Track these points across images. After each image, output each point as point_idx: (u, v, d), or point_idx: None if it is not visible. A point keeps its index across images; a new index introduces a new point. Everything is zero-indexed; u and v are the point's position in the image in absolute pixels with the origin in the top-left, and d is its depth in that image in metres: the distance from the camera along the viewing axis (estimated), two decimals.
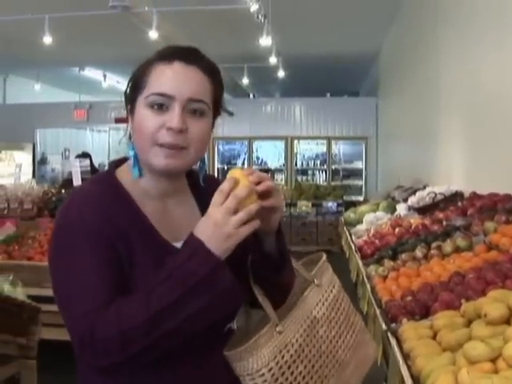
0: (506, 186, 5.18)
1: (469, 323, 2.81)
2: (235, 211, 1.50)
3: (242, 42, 13.04)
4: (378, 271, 4.73)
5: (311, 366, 1.64)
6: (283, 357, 1.59)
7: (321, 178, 17.94)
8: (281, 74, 15.54)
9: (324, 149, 17.91)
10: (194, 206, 1.87)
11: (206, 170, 1.89)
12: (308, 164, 18.29)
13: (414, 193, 7.73)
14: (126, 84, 1.75)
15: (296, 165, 18.06)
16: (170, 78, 1.65)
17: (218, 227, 1.49)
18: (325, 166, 17.93)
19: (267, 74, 15.87)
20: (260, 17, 10.02)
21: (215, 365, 1.68)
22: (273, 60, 13.17)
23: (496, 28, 5.69)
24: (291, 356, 1.60)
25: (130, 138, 1.77)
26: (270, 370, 1.57)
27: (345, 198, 14.70)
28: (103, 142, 20.43)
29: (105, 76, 18.19)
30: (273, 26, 10.74)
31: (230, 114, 1.83)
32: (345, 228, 8.27)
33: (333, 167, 17.82)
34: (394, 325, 3.32)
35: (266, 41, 10.89)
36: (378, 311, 3.84)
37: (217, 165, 18.51)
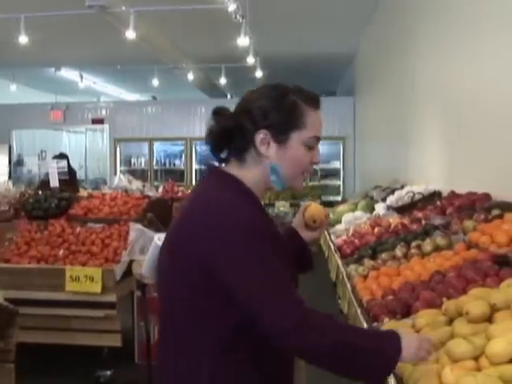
0: (484, 185, 5.20)
1: (450, 321, 2.81)
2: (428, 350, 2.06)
3: (220, 41, 13.03)
4: (358, 271, 4.73)
5: None
6: None
7: None
8: (258, 74, 15.51)
9: None
10: None
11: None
12: None
13: (392, 192, 7.75)
14: (261, 110, 2.15)
15: None
16: (320, 125, 2.22)
17: (417, 347, 2.01)
18: None
19: (245, 74, 15.84)
20: (238, 17, 10.00)
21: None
22: (250, 60, 13.15)
23: (471, 27, 5.72)
24: None
25: (218, 142, 2.23)
26: None
27: (322, 198, 14.72)
28: (80, 143, 20.34)
29: (81, 76, 18.06)
30: (250, 26, 10.74)
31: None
32: None
33: None
34: (375, 324, 3.32)
35: (243, 41, 10.88)
36: (359, 311, 3.84)
37: (194, 166, 18.46)
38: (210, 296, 2.02)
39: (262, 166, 2.17)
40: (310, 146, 2.17)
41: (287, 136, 2.13)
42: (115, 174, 16.67)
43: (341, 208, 8.94)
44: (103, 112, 19.05)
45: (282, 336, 1.93)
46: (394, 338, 2.01)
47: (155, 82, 17.00)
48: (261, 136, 2.12)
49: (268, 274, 1.95)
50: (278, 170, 2.16)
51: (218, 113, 2.23)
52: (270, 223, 2.15)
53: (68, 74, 18.11)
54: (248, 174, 2.17)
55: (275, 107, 2.14)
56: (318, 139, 2.19)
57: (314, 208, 2.57)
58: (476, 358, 2.27)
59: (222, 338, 2.02)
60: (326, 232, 7.66)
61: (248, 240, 1.97)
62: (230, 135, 2.16)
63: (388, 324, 3.14)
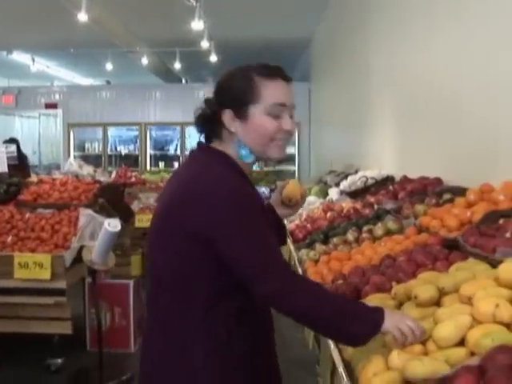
0: (436, 170, 5.23)
1: (400, 306, 2.80)
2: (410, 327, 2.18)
3: (174, 25, 12.89)
4: (310, 255, 4.71)
5: None
6: None
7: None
8: (213, 58, 15.42)
9: None
10: None
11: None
12: None
13: (346, 177, 7.76)
14: (221, 91, 2.35)
15: None
16: (283, 92, 2.31)
17: (399, 319, 2.20)
18: None
19: (199, 58, 15.76)
20: (191, 0, 9.91)
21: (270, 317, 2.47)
22: (205, 44, 13.07)
23: (425, 16, 5.73)
24: None
25: (201, 125, 2.39)
26: None
27: (278, 183, 14.70)
28: (33, 128, 20.07)
29: (33, 60, 17.76)
30: (205, 9, 10.65)
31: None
32: None
33: None
34: None
35: (197, 25, 10.80)
36: None
37: (149, 151, 18.34)
38: (199, 264, 2.20)
39: (234, 142, 2.33)
40: (275, 114, 2.28)
41: (246, 110, 2.27)
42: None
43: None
44: (56, 96, 18.80)
45: (273, 297, 2.14)
46: (377, 308, 2.24)
47: (109, 66, 16.76)
48: (226, 115, 2.30)
49: (259, 240, 2.16)
50: (243, 143, 2.31)
51: (206, 99, 2.42)
52: (258, 196, 2.34)
53: (20, 57, 17.76)
54: (228, 151, 2.34)
55: (232, 86, 2.32)
56: (282, 105, 2.29)
57: (291, 187, 2.71)
58: (423, 342, 2.26)
59: (206, 304, 2.21)
60: None
61: (239, 209, 2.14)
62: (206, 118, 2.36)
63: None
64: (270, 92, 2.28)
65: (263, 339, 2.39)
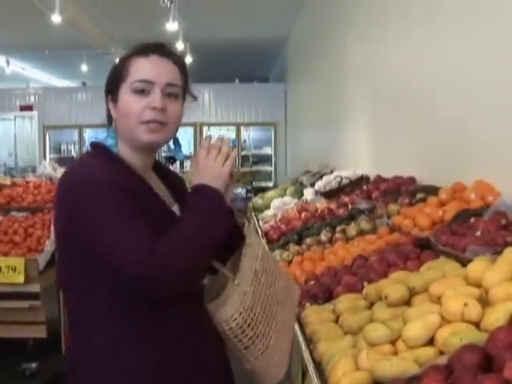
0: (410, 169, 5.25)
1: (371, 306, 2.81)
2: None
3: (148, 26, 12.79)
4: (283, 256, 4.70)
5: (264, 307, 2.14)
6: (245, 303, 2.07)
7: None
8: (188, 59, 15.36)
9: (233, 135, 17.90)
10: (159, 181, 2.25)
11: (182, 153, 2.30)
12: None
13: (321, 177, 7.76)
14: (107, 79, 2.14)
15: None
16: (150, 67, 2.05)
17: (211, 171, 2.03)
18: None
19: None
20: (166, 1, 9.89)
21: (198, 315, 2.11)
22: (180, 45, 13.00)
23: (401, 16, 5.75)
24: (250, 301, 2.08)
25: (110, 123, 2.17)
26: (240, 314, 2.06)
27: (254, 184, 14.74)
28: (8, 131, 19.90)
29: (8, 62, 17.62)
30: (179, 10, 10.62)
31: (195, 98, 2.26)
32: (253, 214, 8.24)
33: (242, 153, 17.82)
34: (296, 309, 3.30)
35: (172, 26, 10.77)
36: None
37: None
38: (81, 271, 1.99)
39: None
40: (140, 90, 2.03)
41: (118, 92, 2.07)
42: None
43: (270, 193, 8.91)
44: (32, 98, 18.67)
45: (138, 283, 1.81)
46: (204, 190, 2.02)
47: (84, 68, 16.65)
48: (109, 103, 2.14)
49: (113, 222, 1.85)
50: (114, 128, 2.14)
51: None
52: (138, 187, 2.03)
53: None
54: (119, 140, 2.14)
55: (112, 69, 2.14)
56: (148, 82, 2.03)
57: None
58: (393, 342, 2.27)
59: (106, 311, 1.98)
60: (255, 218, 7.64)
61: (90, 198, 1.88)
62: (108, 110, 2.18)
63: (309, 309, 3.13)
64: (137, 68, 2.05)
65: (175, 348, 2.04)
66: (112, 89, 2.10)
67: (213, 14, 12.98)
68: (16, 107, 18.71)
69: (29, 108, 18.62)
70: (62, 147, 18.57)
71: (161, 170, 2.31)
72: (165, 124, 2.05)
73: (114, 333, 1.97)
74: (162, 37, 12.17)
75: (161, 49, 2.10)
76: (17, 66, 18.75)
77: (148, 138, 2.04)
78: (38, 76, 21.65)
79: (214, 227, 1.97)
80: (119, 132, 2.11)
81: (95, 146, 2.14)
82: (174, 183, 2.31)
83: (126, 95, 2.04)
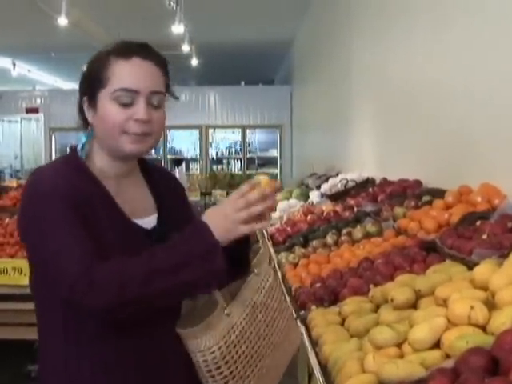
0: (416, 172, 5.24)
1: (377, 308, 2.81)
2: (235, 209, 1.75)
3: (154, 29, 12.81)
4: (289, 258, 4.70)
5: (252, 347, 1.91)
6: (230, 337, 1.85)
7: (236, 167, 17.94)
8: (194, 62, 15.41)
9: (239, 137, 17.91)
10: (145, 187, 2.09)
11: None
12: (223, 153, 18.27)
13: (326, 180, 7.76)
14: (82, 76, 1.97)
15: (215, 155, 18.05)
16: (133, 74, 1.87)
17: (225, 219, 1.74)
18: (240, 155, 17.93)
19: (180, 62, 15.71)
20: (172, 4, 9.89)
21: (164, 337, 1.90)
22: (186, 48, 13.04)
23: (404, 19, 5.75)
24: (236, 337, 1.86)
25: (86, 125, 2.00)
26: (220, 348, 1.83)
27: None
28: (14, 133, 19.94)
29: (14, 64, 17.65)
30: (185, 13, 10.62)
31: (176, 98, 2.07)
32: None
33: (248, 156, 17.83)
34: (302, 312, 3.30)
35: (178, 28, 10.77)
36: (287, 298, 3.81)
37: None
38: (35, 280, 1.96)
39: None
40: (123, 102, 1.85)
41: (96, 97, 1.89)
42: None
43: (276, 196, 8.90)
44: (38, 101, 18.71)
45: (71, 294, 1.69)
46: (199, 230, 1.75)
47: None
48: (84, 104, 1.95)
49: (54, 240, 1.73)
50: (92, 135, 1.96)
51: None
52: (95, 198, 1.85)
53: (0, 61, 17.67)
54: (95, 144, 1.98)
55: (88, 69, 1.95)
56: (132, 91, 1.86)
57: (264, 185, 1.91)
58: (399, 345, 2.26)
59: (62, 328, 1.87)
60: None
61: (37, 208, 1.78)
62: (80, 110, 2.00)
63: (315, 312, 3.13)
64: (118, 74, 1.86)
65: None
66: (89, 92, 1.92)
67: (218, 16, 12.98)
68: (22, 109, 18.74)
69: (35, 110, 18.65)
70: (68, 149, 18.55)
71: (149, 173, 2.14)
72: (149, 134, 1.91)
73: (63, 349, 1.87)
74: (167, 39, 12.23)
75: (144, 50, 1.92)
76: (23, 69, 18.78)
77: (131, 148, 1.89)
78: (44, 78, 21.69)
79: (182, 276, 1.70)
80: (97, 137, 1.95)
81: (70, 149, 2.00)
82: (159, 185, 2.12)
83: (106, 103, 1.87)
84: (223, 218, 1.74)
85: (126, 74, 1.86)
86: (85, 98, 1.94)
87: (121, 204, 1.90)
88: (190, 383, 1.92)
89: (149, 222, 1.99)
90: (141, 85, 1.86)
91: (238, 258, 1.91)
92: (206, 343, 1.83)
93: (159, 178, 2.14)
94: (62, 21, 10.01)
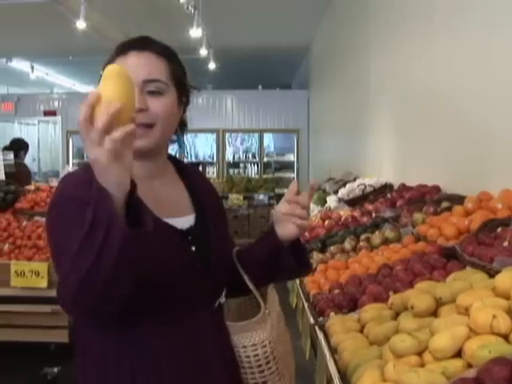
0: (434, 178, 5.22)
1: (396, 316, 2.79)
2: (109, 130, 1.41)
3: (172, 32, 12.81)
4: None
5: (282, 349, 1.98)
6: (273, 335, 1.92)
7: (252, 171, 17.94)
8: (212, 66, 15.41)
9: (256, 141, 17.92)
10: (181, 187, 2.03)
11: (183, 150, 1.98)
12: (240, 157, 18.28)
13: (344, 185, 7.73)
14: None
15: (232, 158, 18.08)
16: (132, 66, 1.80)
17: (93, 159, 1.45)
18: (256, 159, 17.93)
19: (198, 65, 15.72)
20: (190, 8, 9.90)
21: (207, 339, 1.86)
22: (203, 52, 13.04)
23: (425, 26, 5.72)
24: (276, 335, 1.93)
25: None
26: (270, 342, 1.89)
27: (276, 190, 14.66)
28: (32, 135, 20.04)
29: (32, 67, 17.73)
30: (203, 17, 10.62)
31: (195, 88, 2.05)
32: None
33: (264, 160, 17.84)
34: (321, 319, 3.28)
35: (196, 32, 10.77)
36: (306, 305, 3.80)
37: None
38: None
39: None
40: None
41: None
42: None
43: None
44: (55, 104, 18.77)
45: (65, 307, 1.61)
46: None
47: None
48: None
49: (59, 239, 1.68)
50: None
51: None
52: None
53: (19, 64, 17.73)
54: None
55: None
56: None
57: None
58: (420, 354, 2.24)
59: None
60: None
61: (54, 214, 1.74)
62: None
63: (334, 318, 3.11)
64: None
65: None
66: None
67: (236, 20, 13.01)
68: (40, 112, 18.81)
69: (52, 113, 18.72)
70: (85, 152, 18.62)
71: (185, 174, 2.09)
72: (150, 125, 1.83)
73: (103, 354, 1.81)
74: (186, 43, 12.25)
75: (141, 43, 1.91)
76: (41, 72, 18.87)
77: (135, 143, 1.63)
78: (62, 81, 21.77)
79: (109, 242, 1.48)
80: None
81: None
82: (197, 187, 2.07)
83: None
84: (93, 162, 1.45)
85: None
86: None
87: (150, 204, 1.75)
88: (227, 378, 1.91)
89: (184, 221, 1.93)
90: (132, 75, 1.64)
91: (297, 256, 2.01)
92: (260, 336, 1.89)
93: (196, 179, 2.10)
94: (81, 24, 10.03)
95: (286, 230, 1.97)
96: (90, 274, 1.48)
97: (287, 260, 2.01)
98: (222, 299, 1.98)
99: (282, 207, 1.98)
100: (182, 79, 1.96)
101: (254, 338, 1.89)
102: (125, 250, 1.47)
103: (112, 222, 1.45)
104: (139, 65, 1.84)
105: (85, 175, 1.67)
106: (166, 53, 1.93)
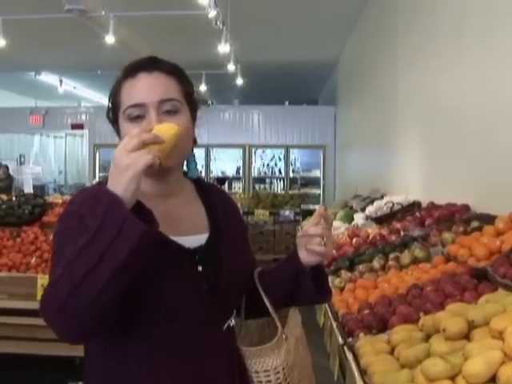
0: (463, 196, 5.17)
1: (427, 338, 2.74)
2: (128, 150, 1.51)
3: (200, 48, 12.94)
4: (335, 283, 4.65)
5: (299, 374, 1.90)
6: (289, 360, 1.86)
7: (278, 187, 17.93)
8: (239, 81, 15.46)
9: (282, 157, 17.93)
10: (199, 207, 1.98)
11: (197, 171, 2.04)
12: (266, 172, 18.29)
13: (371, 202, 7.70)
14: (107, 110, 1.90)
15: (258, 174, 18.10)
16: (139, 89, 1.79)
17: (117, 165, 1.51)
18: (282, 175, 17.92)
19: (225, 81, 15.79)
20: (218, 23, 9.92)
21: (216, 361, 1.80)
22: (231, 67, 13.09)
23: (454, 41, 5.69)
24: (291, 361, 1.86)
25: None
26: (283, 368, 1.84)
27: (302, 206, 14.59)
28: (59, 148, 20.21)
29: (61, 81, 17.89)
30: (231, 32, 10.67)
31: (206, 103, 1.88)
32: None
33: (291, 175, 17.83)
34: (350, 339, 3.24)
35: (224, 48, 10.80)
36: (334, 324, 3.76)
37: None
38: None
39: None
40: (135, 117, 1.78)
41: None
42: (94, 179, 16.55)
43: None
44: (83, 117, 18.90)
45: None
46: (103, 193, 1.53)
47: None
48: (116, 132, 1.90)
49: (57, 252, 1.67)
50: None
51: None
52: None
53: (48, 78, 17.92)
54: None
55: (108, 100, 1.91)
56: (140, 106, 1.78)
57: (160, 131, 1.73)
58: (453, 378, 2.20)
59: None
60: None
61: (59, 222, 1.74)
62: None
63: (363, 339, 3.07)
64: (127, 93, 1.82)
65: None
66: (113, 119, 1.89)
67: (264, 36, 13.04)
68: (67, 125, 18.95)
69: (80, 126, 18.85)
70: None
71: (206, 193, 2.04)
72: (183, 143, 1.80)
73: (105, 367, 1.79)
74: (214, 58, 12.31)
75: (150, 63, 1.88)
76: (69, 85, 19.04)
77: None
78: (90, 95, 21.95)
79: (100, 242, 1.49)
80: None
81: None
82: (217, 207, 2.00)
83: (123, 124, 1.82)
84: (114, 168, 1.52)
85: (133, 91, 1.81)
86: (115, 126, 1.89)
87: (164, 223, 1.66)
88: None
89: (195, 240, 1.87)
90: (146, 97, 1.78)
91: (317, 282, 1.96)
92: (273, 362, 1.84)
93: (216, 197, 2.03)
94: (110, 39, 10.10)
95: (307, 254, 1.93)
96: (85, 278, 1.47)
97: (306, 285, 1.97)
98: (232, 322, 1.92)
99: (306, 230, 1.93)
100: (192, 96, 1.95)
101: (267, 364, 1.84)
102: (138, 248, 1.48)
103: (126, 219, 1.47)
104: (152, 85, 1.81)
105: (97, 190, 1.69)
106: (175, 71, 1.91)
